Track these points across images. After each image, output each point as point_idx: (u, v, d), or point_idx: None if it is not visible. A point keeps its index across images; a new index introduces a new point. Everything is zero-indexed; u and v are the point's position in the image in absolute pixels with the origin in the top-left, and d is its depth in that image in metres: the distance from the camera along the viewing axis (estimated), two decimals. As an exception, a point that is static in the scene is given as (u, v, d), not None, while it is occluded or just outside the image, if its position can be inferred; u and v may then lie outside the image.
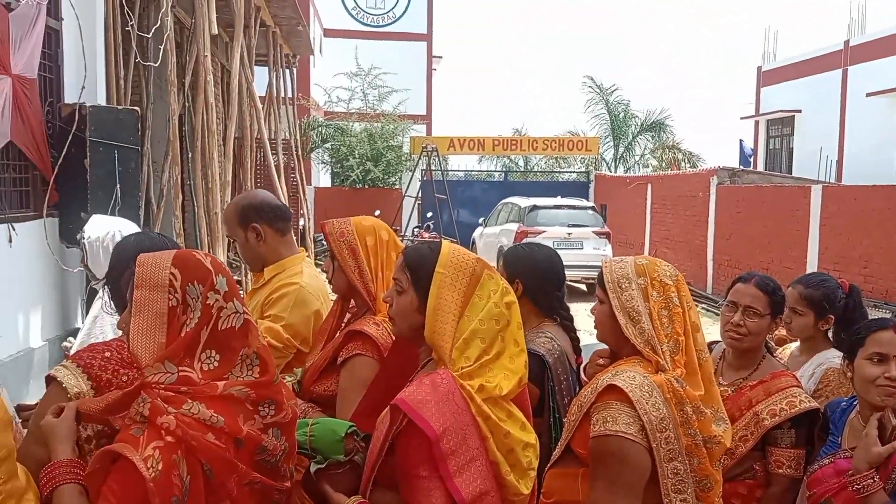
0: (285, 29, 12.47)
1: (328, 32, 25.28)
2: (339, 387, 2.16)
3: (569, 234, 13.05)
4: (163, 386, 1.50)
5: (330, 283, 2.42)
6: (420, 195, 18.13)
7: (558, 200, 14.63)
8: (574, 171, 24.55)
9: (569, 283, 3.17)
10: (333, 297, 2.48)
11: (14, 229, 4.91)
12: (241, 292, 1.68)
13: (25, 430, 1.84)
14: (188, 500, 1.46)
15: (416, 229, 16.90)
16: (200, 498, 1.48)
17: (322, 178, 22.58)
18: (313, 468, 1.79)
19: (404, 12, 26.59)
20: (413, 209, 17.51)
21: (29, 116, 4.99)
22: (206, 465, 1.48)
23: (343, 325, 2.36)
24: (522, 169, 27.85)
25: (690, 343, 1.94)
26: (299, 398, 2.22)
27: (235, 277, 1.93)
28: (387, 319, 2.13)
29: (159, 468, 1.42)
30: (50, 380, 1.66)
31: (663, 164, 25.28)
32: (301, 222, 13.78)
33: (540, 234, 12.54)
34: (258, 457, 1.57)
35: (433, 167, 17.62)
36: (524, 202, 14.24)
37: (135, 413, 1.48)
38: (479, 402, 1.68)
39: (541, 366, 2.41)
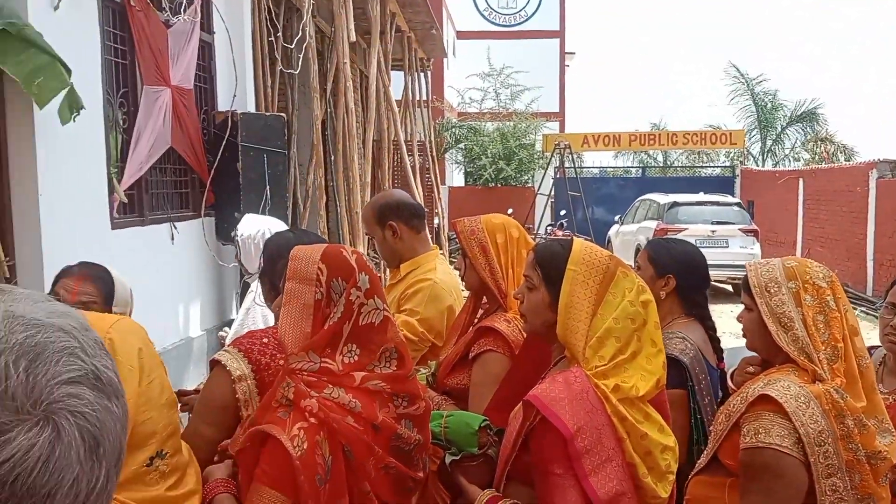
0: (419, 33, 12.74)
1: (461, 35, 25.59)
2: (471, 381, 2.18)
3: (713, 231, 12.46)
4: (306, 373, 1.58)
5: (462, 279, 2.45)
6: (553, 193, 17.95)
7: (700, 196, 13.99)
8: (718, 166, 23.46)
9: (713, 282, 3.03)
10: (466, 293, 2.51)
11: (175, 228, 5.33)
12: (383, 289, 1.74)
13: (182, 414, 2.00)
14: (330, 479, 1.53)
15: (549, 227, 16.76)
16: (341, 478, 1.55)
17: (456, 177, 22.90)
18: (448, 459, 1.82)
19: (536, 10, 26.45)
20: (546, 207, 17.37)
21: (187, 124, 5.40)
22: (346, 446, 1.55)
23: (475, 320, 2.38)
24: (661, 164, 26.95)
25: (850, 349, 1.81)
26: (433, 390, 2.27)
27: (372, 273, 2.01)
28: (518, 316, 2.13)
29: (304, 447, 1.50)
30: (214, 363, 1.80)
31: (816, 158, 23.63)
32: (436, 221, 14.03)
33: (681, 231, 12.03)
34: (394, 443, 1.63)
35: (566, 164, 17.40)
36: (663, 198, 13.75)
37: (280, 397, 1.57)
38: (614, 402, 1.64)
39: (680, 370, 2.32)
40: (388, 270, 3.08)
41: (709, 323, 2.55)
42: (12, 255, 3.71)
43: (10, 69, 3.46)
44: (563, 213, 17.16)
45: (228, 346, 1.86)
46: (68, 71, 3.64)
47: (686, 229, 12.27)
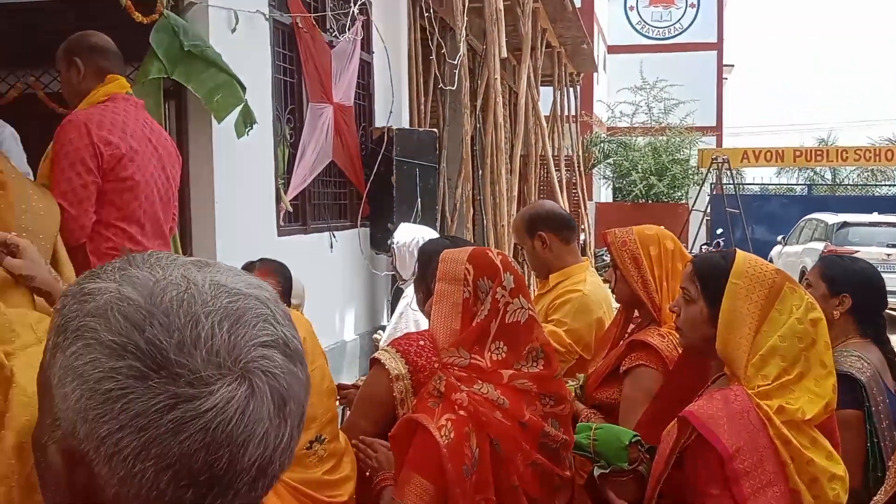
0: (570, 48, 12.67)
1: (612, 49, 25.19)
2: (622, 396, 2.13)
3: (888, 255, 11.43)
4: (456, 367, 1.64)
5: (613, 292, 2.41)
6: (709, 210, 17.18)
7: (875, 217, 12.88)
8: (895, 185, 21.52)
9: (889, 310, 2.79)
10: (616, 306, 2.46)
11: (335, 237, 5.62)
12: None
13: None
14: (477, 470, 1.56)
15: (703, 246, 16.05)
16: (488, 470, 1.58)
17: (603, 193, 22.48)
18: (597, 472, 1.79)
19: (692, 22, 25.58)
20: (701, 225, 16.64)
21: (347, 139, 5.68)
22: (494, 440, 1.58)
23: (626, 334, 2.33)
24: (829, 182, 25.11)
25: None
26: (581, 403, 2.24)
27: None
28: (672, 331, 2.06)
29: (451, 437, 1.54)
30: (373, 362, 1.89)
31: None
32: (582, 237, 13.85)
33: (852, 254, 11.11)
34: (541, 440, 1.64)
35: (724, 180, 16.61)
36: (832, 218, 12.78)
37: (432, 388, 1.63)
38: (777, 424, 1.55)
39: (855, 389, 2.15)
40: (534, 283, 3.08)
41: (887, 347, 2.34)
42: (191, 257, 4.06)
43: (193, 87, 3.80)
44: (719, 231, 16.34)
45: (387, 346, 1.94)
46: (243, 88, 3.95)
47: (857, 251, 11.31)
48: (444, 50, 7.48)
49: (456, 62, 7.00)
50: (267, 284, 0.65)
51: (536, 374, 1.67)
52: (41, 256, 1.68)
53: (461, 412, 1.58)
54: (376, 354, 1.88)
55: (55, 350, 0.59)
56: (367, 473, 1.77)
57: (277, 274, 2.27)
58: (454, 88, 7.37)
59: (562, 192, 11.80)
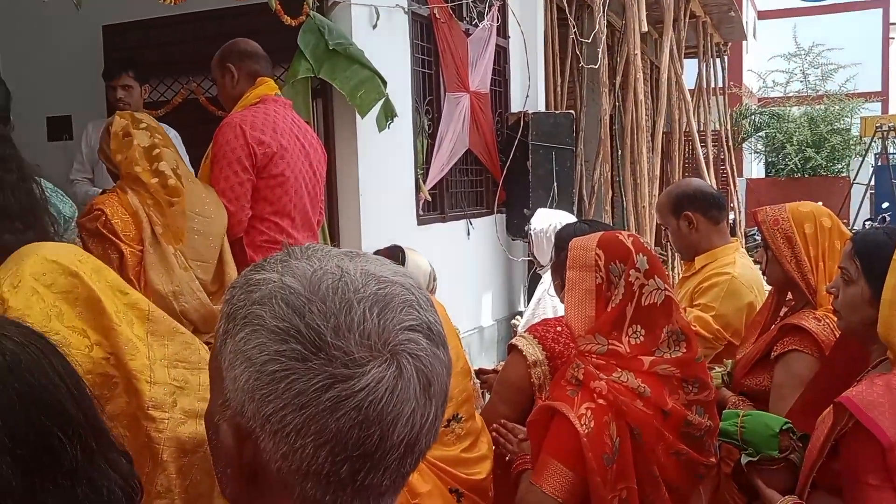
0: (716, 17, 12.03)
1: (763, 14, 23.65)
2: (772, 382, 2.04)
3: None
4: (595, 355, 1.63)
5: (764, 274, 2.30)
6: (873, 183, 15.81)
7: None
8: None
9: None
10: (768, 289, 2.35)
11: (472, 224, 5.70)
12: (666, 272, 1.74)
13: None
14: (618, 459, 1.56)
15: (867, 222, 14.81)
16: (629, 459, 1.56)
17: (755, 168, 21.24)
18: (744, 460, 1.74)
19: (855, -21, 23.53)
20: (864, 199, 15.35)
21: (483, 126, 5.73)
22: (635, 429, 1.56)
23: (779, 318, 2.22)
24: None
25: None
26: (729, 390, 2.17)
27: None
28: (829, 314, 1.95)
29: (591, 426, 1.54)
30: (511, 348, 1.92)
31: None
32: (731, 216, 13.17)
33: None
34: (684, 429, 1.60)
35: (890, 150, 15.21)
36: None
37: (570, 377, 1.64)
38: (947, 413, 1.44)
39: None
40: (677, 268, 3.00)
41: None
42: (339, 247, 4.27)
43: (338, 84, 3.98)
44: (885, 205, 15.01)
45: (524, 332, 1.96)
46: (384, 83, 4.08)
47: None
48: (581, 29, 7.35)
49: (592, 40, 6.85)
50: (410, 272, 0.70)
51: (679, 359, 1.63)
52: None
53: (600, 401, 1.57)
54: (514, 341, 1.91)
55: (225, 336, 0.65)
56: (507, 458, 1.81)
57: (391, 258, 2.39)
58: (592, 67, 7.23)
59: (708, 169, 11.26)
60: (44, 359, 0.90)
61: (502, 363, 2.26)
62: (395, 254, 2.36)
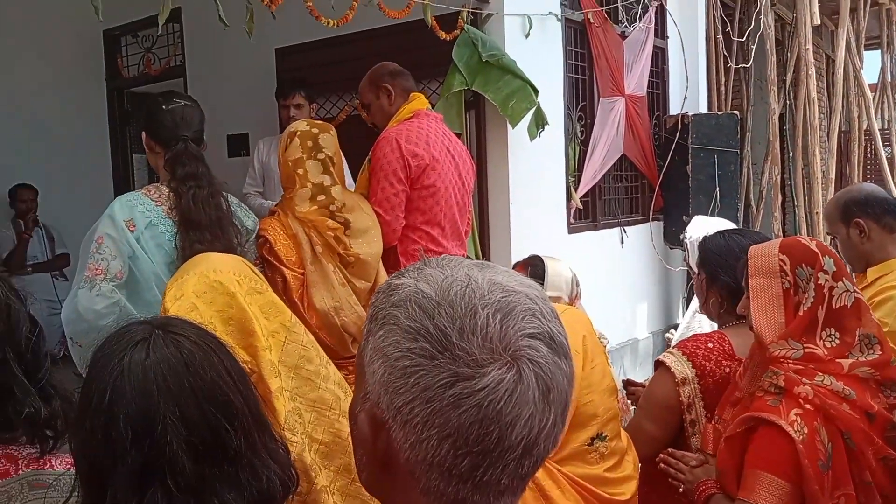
0: (904, 2, 10.97)
1: (964, -5, 21.21)
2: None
3: None
4: (790, 360, 1.59)
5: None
6: None
7: None
8: None
9: None
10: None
11: (625, 232, 5.58)
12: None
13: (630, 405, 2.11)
14: (833, 466, 1.52)
15: None
16: (844, 466, 1.53)
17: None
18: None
19: None
20: None
21: (639, 131, 5.59)
22: (845, 433, 1.53)
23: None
24: None
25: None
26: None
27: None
28: None
29: (805, 431, 1.50)
30: (658, 364, 1.88)
31: None
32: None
33: None
34: (889, 433, 1.54)
35: None
36: None
37: (768, 385, 1.60)
38: None
39: None
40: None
41: None
42: (488, 256, 4.34)
43: (490, 95, 4.06)
44: None
45: (673, 348, 1.91)
46: (536, 91, 4.11)
47: None
48: (746, 25, 6.98)
49: (757, 37, 6.49)
50: (536, 284, 0.73)
51: (876, 361, 1.60)
52: None
53: (807, 406, 1.54)
54: (661, 357, 1.87)
55: (367, 335, 0.73)
56: (681, 489, 1.76)
57: (528, 268, 2.40)
58: (756, 65, 6.85)
59: (892, 171, 10.28)
60: (215, 356, 1.02)
61: (650, 378, 2.21)
62: (534, 264, 2.38)
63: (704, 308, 2.06)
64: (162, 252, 2.17)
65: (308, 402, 1.52)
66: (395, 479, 0.70)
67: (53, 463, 1.11)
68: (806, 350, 1.60)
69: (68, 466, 1.08)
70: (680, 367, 1.80)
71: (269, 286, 1.66)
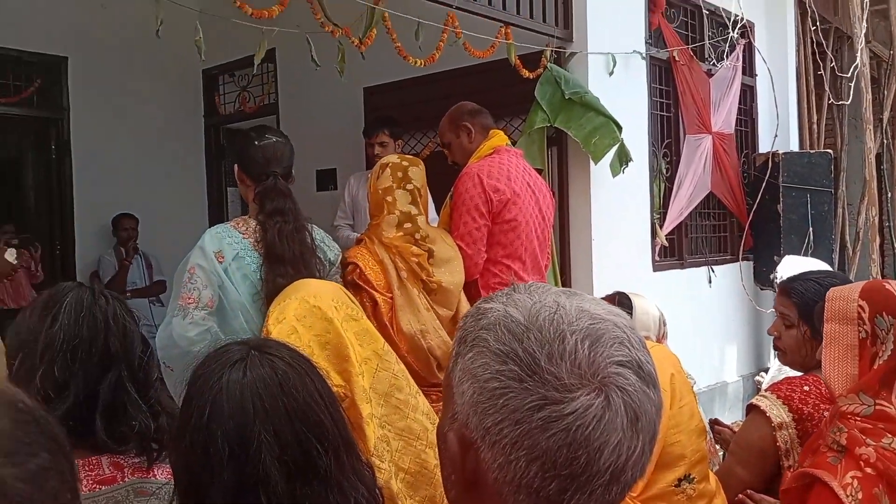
0: None
1: None
2: None
3: None
4: (859, 417, 1.49)
5: None
6: None
7: None
8: None
9: None
10: None
11: (713, 271, 5.43)
12: None
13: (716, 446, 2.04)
14: None
15: None
16: None
17: None
18: None
19: None
20: None
21: (726, 168, 5.47)
22: None
23: None
24: None
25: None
26: None
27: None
28: None
29: (858, 497, 1.41)
30: (751, 408, 1.81)
31: None
32: None
33: None
34: None
35: None
36: None
37: (831, 441, 1.50)
38: None
39: None
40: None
41: None
42: (571, 292, 4.30)
43: (572, 132, 4.06)
44: None
45: (766, 391, 1.85)
46: (619, 128, 4.09)
47: None
48: (840, 63, 6.77)
49: (854, 74, 6.28)
50: (624, 313, 0.74)
51: None
52: None
53: (868, 469, 1.43)
54: (754, 400, 1.80)
55: (456, 357, 0.74)
56: None
57: (616, 304, 2.38)
58: (852, 103, 6.61)
59: None
60: (307, 378, 1.06)
61: (739, 421, 2.13)
62: (620, 300, 2.35)
63: (783, 355, 1.98)
64: (247, 283, 2.25)
65: (396, 430, 1.55)
66: (482, 499, 0.71)
67: (157, 473, 1.17)
68: (877, 407, 1.47)
69: (170, 477, 1.14)
70: (776, 410, 1.73)
71: (364, 314, 1.71)
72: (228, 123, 6.64)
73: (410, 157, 2.77)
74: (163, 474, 1.17)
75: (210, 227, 2.42)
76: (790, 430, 1.72)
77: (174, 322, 2.17)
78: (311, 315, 1.51)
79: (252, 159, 2.38)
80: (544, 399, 0.65)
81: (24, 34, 5.44)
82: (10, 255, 3.41)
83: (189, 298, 2.17)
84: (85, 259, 6.01)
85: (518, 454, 0.66)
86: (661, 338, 2.28)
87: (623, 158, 4.20)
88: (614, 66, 4.36)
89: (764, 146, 6.01)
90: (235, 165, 2.46)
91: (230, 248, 2.27)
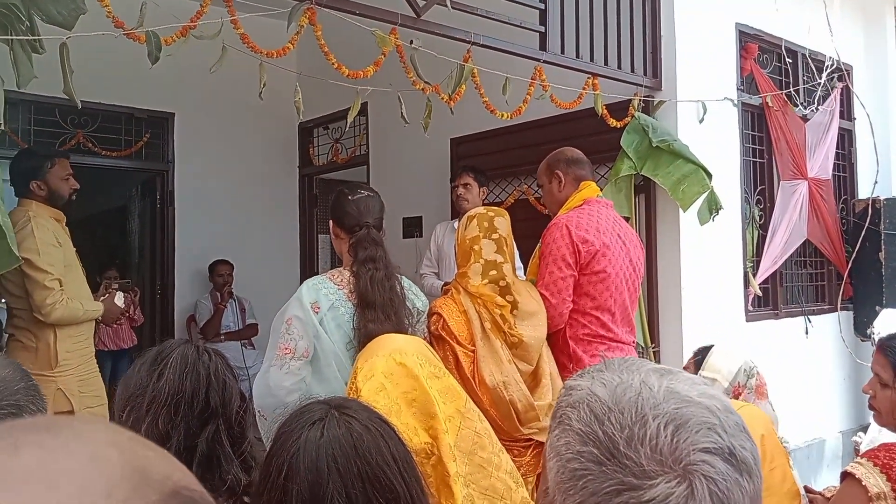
0: None
1: None
2: None
3: None
4: None
5: None
6: None
7: None
8: None
9: None
10: None
11: (810, 321, 5.19)
12: None
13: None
14: None
15: None
16: None
17: None
18: None
19: None
20: None
21: (824, 215, 5.27)
22: None
23: None
24: None
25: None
26: None
27: None
28: None
29: None
30: (846, 475, 1.72)
31: None
32: None
33: None
34: None
35: None
36: None
37: None
38: None
39: None
40: None
41: None
42: (657, 343, 4.20)
43: (660, 180, 4.03)
44: None
45: (862, 457, 1.76)
46: (709, 175, 4.03)
47: None
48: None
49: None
50: (721, 395, 0.72)
51: None
52: None
53: None
54: (849, 467, 1.71)
55: (550, 431, 0.75)
56: None
57: (697, 355, 2.33)
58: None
59: None
60: (381, 440, 1.09)
61: (833, 487, 2.02)
62: (700, 349, 2.31)
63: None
64: (341, 332, 2.33)
65: (480, 489, 1.56)
66: None
67: (245, 525, 1.22)
68: None
69: None
70: (873, 479, 1.63)
71: (446, 371, 1.74)
72: (322, 174, 6.90)
73: (496, 207, 2.83)
74: (251, 527, 1.22)
75: (301, 271, 2.52)
76: (889, 502, 1.62)
77: (271, 372, 2.26)
78: (398, 373, 1.55)
79: (346, 213, 2.49)
80: (622, 484, 0.64)
81: (136, 92, 5.85)
82: (119, 300, 3.63)
83: (286, 348, 2.26)
84: (182, 302, 6.30)
85: None
86: (740, 389, 2.20)
87: (713, 206, 4.12)
88: (704, 113, 4.31)
89: (864, 192, 5.76)
90: (331, 221, 2.57)
91: (325, 298, 2.35)
